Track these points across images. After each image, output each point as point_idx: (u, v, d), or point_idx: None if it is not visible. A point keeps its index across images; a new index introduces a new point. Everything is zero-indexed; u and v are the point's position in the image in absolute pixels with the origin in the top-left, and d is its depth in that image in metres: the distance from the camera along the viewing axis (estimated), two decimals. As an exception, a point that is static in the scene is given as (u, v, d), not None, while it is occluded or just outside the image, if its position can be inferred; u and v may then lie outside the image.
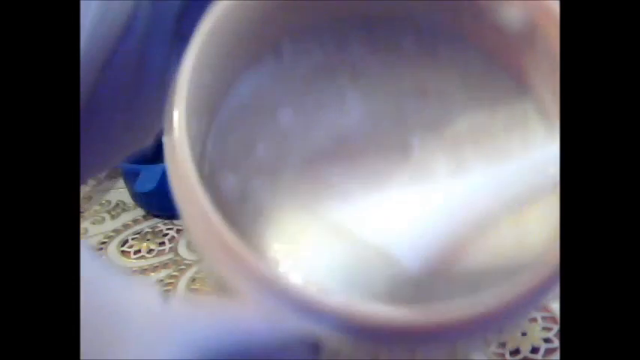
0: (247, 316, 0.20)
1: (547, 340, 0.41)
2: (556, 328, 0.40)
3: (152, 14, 0.27)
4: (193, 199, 0.21)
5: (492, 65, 0.27)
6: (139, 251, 0.55)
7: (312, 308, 0.20)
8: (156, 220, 0.58)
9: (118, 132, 0.27)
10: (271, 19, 0.26)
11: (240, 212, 0.25)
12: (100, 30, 0.25)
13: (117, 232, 0.57)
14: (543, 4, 0.23)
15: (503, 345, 0.41)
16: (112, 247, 0.56)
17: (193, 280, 0.50)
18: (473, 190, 0.25)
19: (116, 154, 0.30)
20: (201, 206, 0.21)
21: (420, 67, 0.26)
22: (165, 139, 0.22)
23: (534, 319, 0.41)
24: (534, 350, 0.40)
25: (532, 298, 0.21)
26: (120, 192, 0.61)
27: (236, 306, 0.21)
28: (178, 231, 0.56)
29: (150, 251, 0.55)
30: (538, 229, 0.25)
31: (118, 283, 0.21)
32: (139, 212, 0.59)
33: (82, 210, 0.60)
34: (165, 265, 0.53)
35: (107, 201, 0.61)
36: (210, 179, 0.25)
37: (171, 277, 0.51)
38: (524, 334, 0.41)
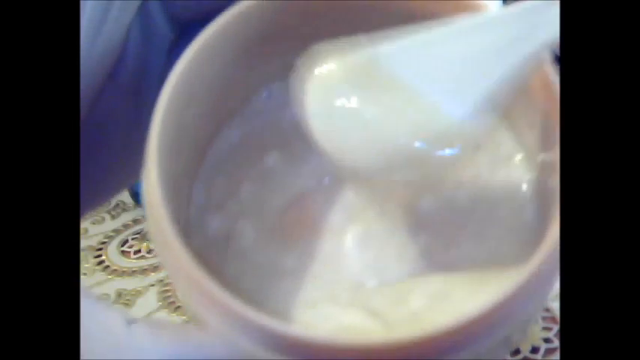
0: (210, 342, 0.20)
1: (547, 340, 0.40)
2: (556, 328, 0.40)
3: (144, 49, 0.27)
4: (161, 232, 0.21)
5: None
6: (139, 251, 0.55)
7: (281, 343, 0.20)
8: (156, 220, 0.58)
9: (113, 166, 0.27)
10: (260, 62, 0.26)
11: (224, 252, 0.25)
12: (90, 65, 0.25)
13: (117, 232, 0.57)
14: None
15: (503, 345, 0.41)
16: (112, 247, 0.56)
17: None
18: None
19: (113, 185, 0.30)
20: (169, 242, 0.21)
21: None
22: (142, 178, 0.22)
23: (534, 319, 0.41)
24: (534, 350, 0.40)
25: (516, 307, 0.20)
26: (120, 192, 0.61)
27: (200, 331, 0.21)
28: (178, 231, 0.56)
29: (150, 251, 0.55)
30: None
31: (83, 306, 0.21)
32: (139, 212, 0.59)
33: (82, 210, 0.60)
34: (165, 265, 0.53)
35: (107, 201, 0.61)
36: (196, 220, 0.25)
37: (171, 277, 0.51)
38: (524, 334, 0.41)
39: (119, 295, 0.48)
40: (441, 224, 0.26)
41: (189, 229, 0.25)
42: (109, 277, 0.49)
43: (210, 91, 0.25)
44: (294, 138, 0.25)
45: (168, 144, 0.22)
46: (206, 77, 0.24)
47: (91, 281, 0.48)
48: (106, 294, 0.48)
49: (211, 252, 0.23)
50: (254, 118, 0.27)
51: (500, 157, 0.26)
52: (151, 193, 0.21)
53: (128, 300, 0.48)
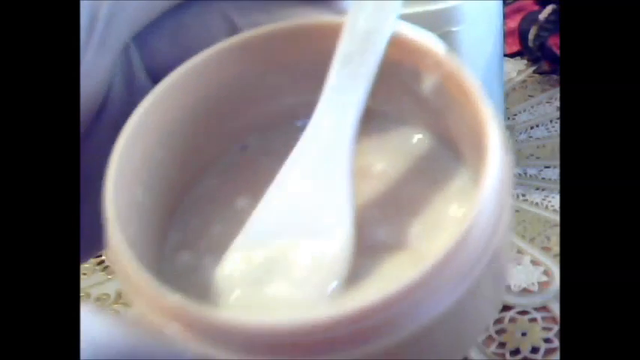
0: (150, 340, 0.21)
1: (547, 340, 0.41)
2: (556, 328, 0.40)
3: (126, 94, 0.28)
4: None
5: (432, 140, 0.28)
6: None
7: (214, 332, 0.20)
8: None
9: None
10: (237, 115, 0.28)
11: (189, 283, 0.26)
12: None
13: (117, 232, 0.57)
14: (454, 72, 0.24)
15: (503, 345, 0.41)
16: (112, 248, 0.56)
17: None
18: None
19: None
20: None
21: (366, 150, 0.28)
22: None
23: (534, 319, 0.41)
24: (534, 350, 0.40)
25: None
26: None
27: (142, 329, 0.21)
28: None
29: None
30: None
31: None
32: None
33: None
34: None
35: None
36: (169, 256, 0.27)
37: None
38: (524, 334, 0.41)
39: (119, 295, 0.48)
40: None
41: (160, 262, 0.26)
42: (109, 277, 0.49)
43: (178, 136, 0.27)
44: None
45: (124, 180, 0.24)
46: (168, 122, 0.26)
47: (91, 281, 0.48)
48: (106, 294, 0.48)
49: (177, 282, 0.25)
50: (230, 168, 0.29)
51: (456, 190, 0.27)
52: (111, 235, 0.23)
53: (128, 300, 0.48)
